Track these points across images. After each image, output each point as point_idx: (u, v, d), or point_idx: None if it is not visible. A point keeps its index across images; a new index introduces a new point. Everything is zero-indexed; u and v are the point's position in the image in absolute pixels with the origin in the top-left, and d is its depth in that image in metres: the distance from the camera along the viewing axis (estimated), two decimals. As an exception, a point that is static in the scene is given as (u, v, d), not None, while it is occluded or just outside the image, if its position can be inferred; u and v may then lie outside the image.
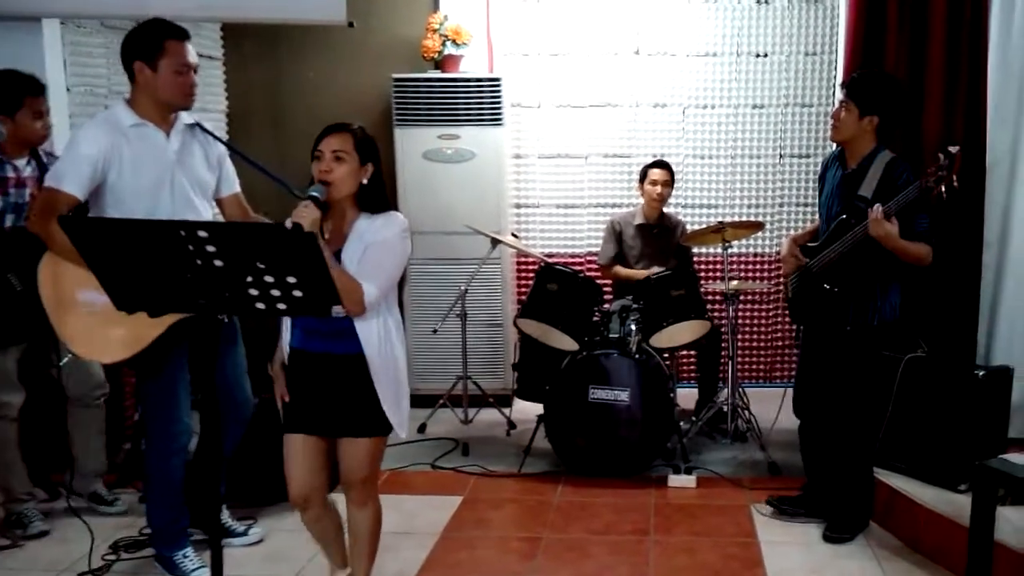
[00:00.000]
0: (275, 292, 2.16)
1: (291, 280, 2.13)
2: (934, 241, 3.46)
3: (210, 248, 2.10)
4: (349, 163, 2.66)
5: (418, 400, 5.43)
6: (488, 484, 4.38)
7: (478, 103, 5.34)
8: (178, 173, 3.25)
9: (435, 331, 4.98)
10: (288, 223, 2.16)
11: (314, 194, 2.60)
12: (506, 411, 5.19)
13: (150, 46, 3.16)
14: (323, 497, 2.91)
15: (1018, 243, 4.25)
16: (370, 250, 2.66)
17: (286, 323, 2.79)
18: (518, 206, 5.93)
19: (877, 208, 3.34)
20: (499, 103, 5.35)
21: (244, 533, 3.71)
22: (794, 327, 4.35)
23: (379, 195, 2.76)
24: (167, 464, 3.34)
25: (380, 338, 2.70)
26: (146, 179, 3.17)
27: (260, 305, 2.20)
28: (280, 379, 2.82)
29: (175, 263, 2.15)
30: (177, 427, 3.33)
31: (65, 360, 3.73)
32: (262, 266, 2.12)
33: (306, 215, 2.51)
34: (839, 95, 3.61)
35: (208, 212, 3.40)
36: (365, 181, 2.71)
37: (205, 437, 3.46)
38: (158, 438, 3.35)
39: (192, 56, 3.23)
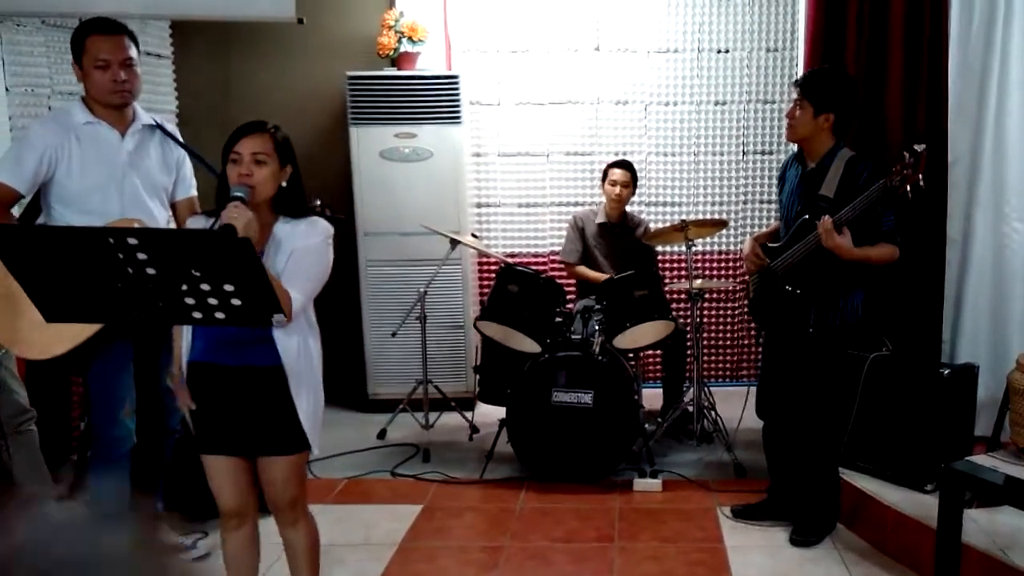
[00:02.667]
0: (212, 301, 2.06)
1: (228, 288, 2.02)
2: (899, 239, 3.41)
3: (141, 256, 2.00)
4: (270, 165, 2.50)
5: (377, 405, 5.39)
6: (449, 491, 4.28)
7: (436, 101, 5.23)
8: (130, 174, 3.17)
9: (394, 334, 4.90)
10: (217, 225, 2.05)
11: (239, 195, 2.42)
12: (468, 415, 5.09)
13: (76, 46, 3.11)
14: (256, 514, 2.75)
15: (981, 240, 4.22)
16: (295, 256, 2.50)
17: (186, 332, 2.59)
18: (479, 205, 5.83)
19: (826, 219, 3.29)
20: (457, 101, 5.24)
21: (193, 546, 3.57)
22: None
23: (299, 198, 2.60)
24: (110, 473, 3.20)
25: (299, 349, 2.53)
26: (93, 178, 3.10)
27: (197, 315, 2.10)
28: (182, 389, 2.59)
29: (105, 272, 2.03)
30: (121, 432, 3.19)
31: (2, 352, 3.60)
32: (197, 274, 2.01)
33: (238, 216, 2.32)
34: (792, 93, 3.54)
35: (163, 215, 3.33)
36: (284, 184, 2.56)
37: (142, 447, 3.33)
38: (102, 446, 3.23)
39: (120, 50, 3.10)
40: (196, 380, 2.57)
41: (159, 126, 3.30)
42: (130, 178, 3.17)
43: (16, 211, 3.22)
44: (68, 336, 3.00)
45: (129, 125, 3.19)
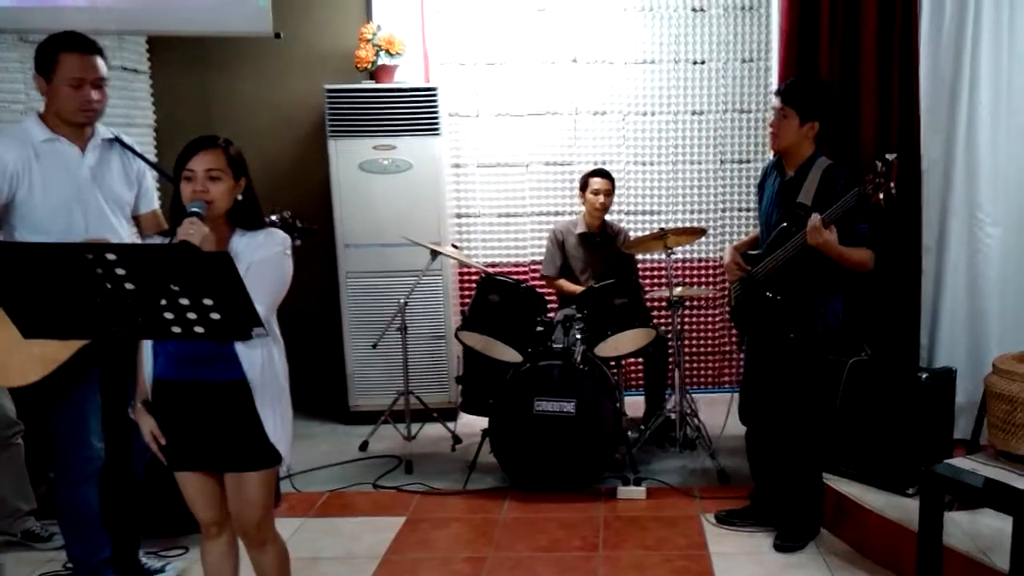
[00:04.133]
0: (191, 315, 2.05)
1: (207, 302, 2.01)
2: (876, 246, 3.45)
3: (120, 271, 1.99)
4: (225, 181, 2.46)
5: (359, 417, 5.38)
6: (432, 502, 4.26)
7: (414, 113, 5.24)
8: (93, 190, 3.10)
9: (375, 346, 4.90)
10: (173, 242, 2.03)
11: (196, 210, 2.38)
12: (451, 425, 5.08)
13: (46, 59, 3.02)
14: (232, 525, 2.70)
15: (956, 246, 4.27)
16: (255, 268, 2.45)
17: (147, 351, 2.54)
18: (459, 216, 5.84)
19: (815, 217, 3.33)
20: (435, 113, 5.25)
21: (161, 570, 3.51)
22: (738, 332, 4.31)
23: (254, 211, 2.58)
24: (76, 494, 3.15)
25: (264, 362, 2.50)
26: (56, 197, 3.03)
27: (176, 329, 2.09)
28: (146, 419, 2.53)
29: (83, 287, 2.02)
30: (87, 453, 3.14)
31: None
32: (176, 288, 2.00)
33: (195, 232, 2.30)
34: (774, 103, 3.57)
35: (127, 230, 3.25)
36: (240, 197, 2.52)
37: (113, 468, 3.26)
38: (67, 467, 3.16)
39: (93, 70, 3.05)
40: (161, 398, 2.53)
41: (117, 139, 3.24)
42: (93, 195, 3.10)
43: None
44: (42, 359, 2.91)
45: (88, 140, 3.12)
